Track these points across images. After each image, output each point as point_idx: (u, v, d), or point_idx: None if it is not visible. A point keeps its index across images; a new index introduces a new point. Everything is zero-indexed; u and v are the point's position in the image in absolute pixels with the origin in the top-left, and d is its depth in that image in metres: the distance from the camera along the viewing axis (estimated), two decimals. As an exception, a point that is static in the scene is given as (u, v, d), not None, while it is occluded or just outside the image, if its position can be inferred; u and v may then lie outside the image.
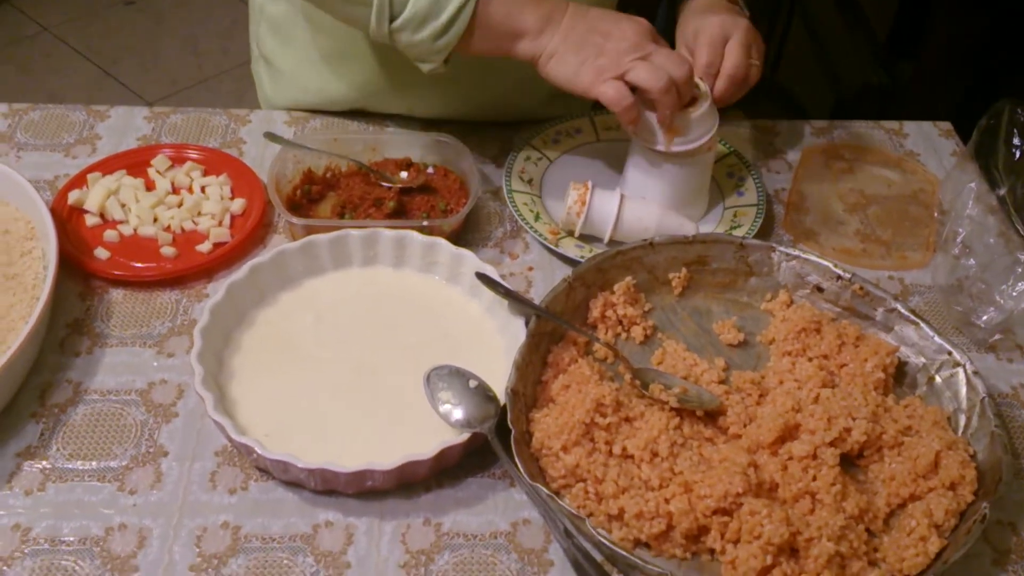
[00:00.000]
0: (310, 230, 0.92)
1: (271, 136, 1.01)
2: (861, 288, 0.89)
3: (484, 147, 1.10)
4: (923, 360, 0.86)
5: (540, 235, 0.96)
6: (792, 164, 1.11)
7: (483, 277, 0.86)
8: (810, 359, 0.86)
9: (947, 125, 1.18)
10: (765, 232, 1.02)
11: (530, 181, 1.04)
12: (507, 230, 1.01)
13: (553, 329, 0.85)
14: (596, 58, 0.87)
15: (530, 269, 0.97)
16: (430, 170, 1.02)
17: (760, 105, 1.20)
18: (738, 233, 0.98)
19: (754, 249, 0.92)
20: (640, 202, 0.98)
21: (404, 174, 1.00)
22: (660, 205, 0.98)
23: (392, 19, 0.87)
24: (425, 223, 0.92)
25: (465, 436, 0.75)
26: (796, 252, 0.91)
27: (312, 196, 0.99)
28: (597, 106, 1.17)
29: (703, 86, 0.96)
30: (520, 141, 1.08)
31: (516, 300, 0.85)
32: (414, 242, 0.91)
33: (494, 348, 0.86)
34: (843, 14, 1.74)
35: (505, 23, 0.88)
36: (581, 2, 0.91)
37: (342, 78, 1.08)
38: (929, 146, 1.15)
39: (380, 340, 0.87)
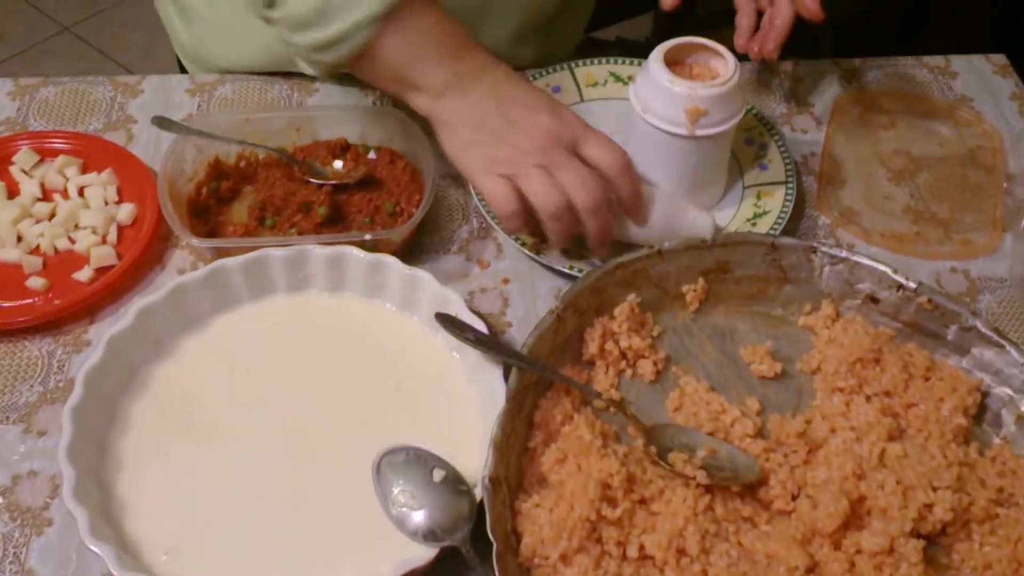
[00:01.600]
0: (220, 251, 0.71)
1: (161, 122, 0.78)
2: (930, 301, 0.69)
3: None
4: (1009, 391, 0.68)
5: (516, 239, 0.76)
6: (820, 120, 0.90)
7: (444, 319, 0.66)
8: (868, 397, 0.68)
9: (1001, 59, 0.97)
10: (796, 216, 0.82)
11: (500, 161, 0.82)
12: (474, 229, 0.80)
13: (541, 377, 0.66)
14: (493, 146, 0.70)
15: (505, 282, 0.77)
16: (372, 155, 0.80)
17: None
18: (764, 222, 0.78)
19: (789, 250, 0.73)
20: (642, 188, 0.78)
21: (339, 163, 0.78)
22: (668, 190, 0.78)
23: (268, 3, 0.69)
24: (367, 236, 0.71)
25: (430, 555, 0.56)
26: (843, 253, 0.71)
27: (222, 195, 0.78)
28: (580, 53, 0.96)
29: (728, 57, 0.74)
30: (485, 106, 0.86)
31: (490, 348, 0.65)
32: (355, 261, 0.70)
33: (464, 403, 0.66)
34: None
35: (404, 70, 0.70)
36: (499, 70, 0.72)
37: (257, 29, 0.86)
38: (983, 88, 0.94)
39: (314, 398, 0.67)
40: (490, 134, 0.70)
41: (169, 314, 0.68)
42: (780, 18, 0.80)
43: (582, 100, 0.89)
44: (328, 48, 0.68)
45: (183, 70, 0.97)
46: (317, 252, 0.70)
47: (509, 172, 0.69)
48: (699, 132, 0.74)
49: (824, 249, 0.72)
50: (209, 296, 0.69)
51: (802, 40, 0.91)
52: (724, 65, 0.75)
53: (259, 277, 0.70)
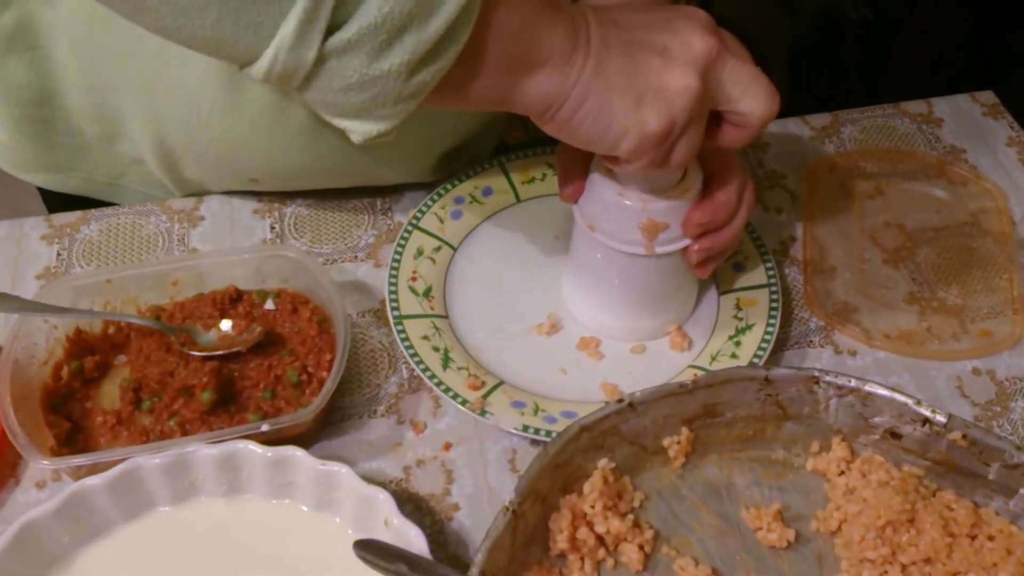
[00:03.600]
0: (80, 471, 0.56)
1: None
2: (965, 437, 0.56)
3: (349, 232, 0.74)
4: (1072, 539, 0.55)
5: (453, 394, 0.62)
6: (795, 194, 0.78)
7: (367, 548, 0.51)
8: (905, 567, 0.55)
9: (990, 97, 0.85)
10: (784, 321, 0.69)
11: (428, 292, 0.68)
12: (404, 380, 0.66)
13: (498, 592, 0.52)
14: (661, 83, 0.51)
15: (447, 448, 0.62)
16: (269, 304, 0.65)
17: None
18: (749, 340, 0.65)
19: (787, 383, 0.59)
20: (592, 306, 0.65)
21: (227, 324, 0.64)
22: (624, 307, 0.65)
23: (331, 28, 0.44)
24: (264, 427, 0.56)
25: None
26: (852, 382, 0.58)
27: (87, 375, 0.63)
28: (505, 145, 0.83)
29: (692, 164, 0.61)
30: (406, 221, 0.72)
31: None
32: (252, 459, 0.56)
33: (406, 638, 0.52)
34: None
35: (521, 40, 0.50)
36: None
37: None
38: (975, 134, 0.82)
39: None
40: (652, 70, 0.51)
41: (17, 560, 0.53)
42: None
43: (518, 200, 0.75)
44: (432, 54, 0.46)
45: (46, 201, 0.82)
46: (203, 454, 0.55)
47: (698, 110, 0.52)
48: (659, 250, 0.61)
49: (828, 379, 0.59)
50: (68, 528, 0.54)
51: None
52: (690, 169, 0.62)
53: (131, 494, 0.55)
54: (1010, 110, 0.84)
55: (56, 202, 0.77)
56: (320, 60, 0.45)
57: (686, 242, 0.61)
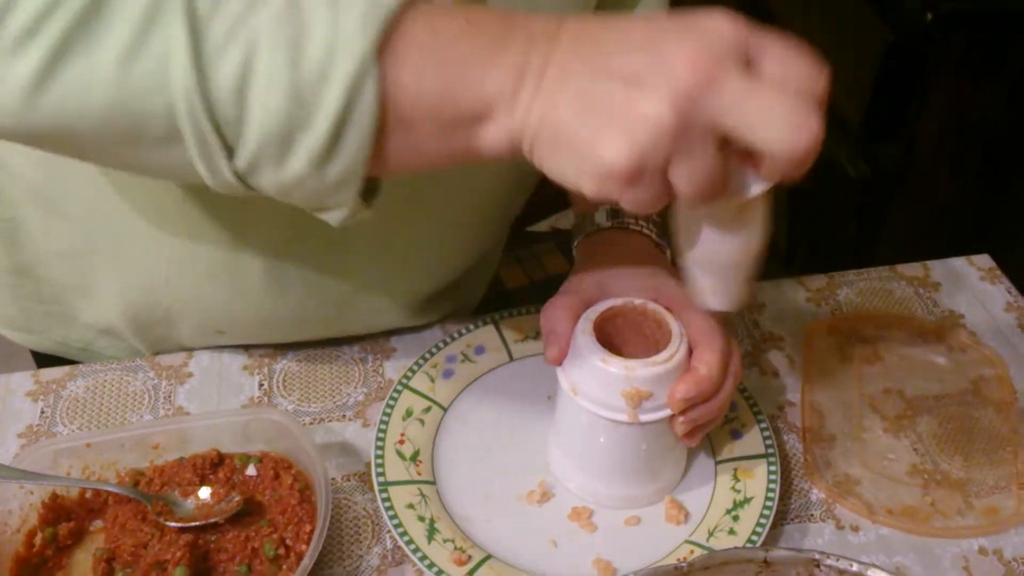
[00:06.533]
0: (38, 649, 0.53)
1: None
2: (975, 630, 0.54)
3: (338, 390, 0.73)
4: None
5: (438, 571, 0.59)
6: (793, 358, 0.77)
7: None
8: None
9: (986, 261, 0.86)
10: (784, 493, 0.67)
11: (416, 456, 0.67)
12: (387, 551, 0.63)
13: None
14: (627, 116, 0.42)
15: (430, 628, 0.60)
16: (251, 469, 0.63)
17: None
18: (748, 514, 0.63)
19: (786, 566, 0.57)
20: (579, 472, 0.63)
21: (206, 493, 0.62)
22: (611, 474, 0.63)
23: (229, 154, 0.44)
24: (238, 607, 0.54)
25: None
26: (854, 567, 0.55)
27: (61, 543, 0.61)
28: (514, 245, 0.83)
29: (672, 323, 0.61)
30: (396, 380, 0.71)
31: None
32: (224, 641, 0.53)
33: None
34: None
35: (448, 100, 0.44)
36: (568, 21, 0.46)
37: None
38: (973, 299, 0.82)
39: None
40: (615, 97, 0.42)
41: None
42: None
43: (511, 359, 0.74)
44: (332, 147, 0.43)
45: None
46: (172, 636, 0.53)
47: (676, 144, 0.42)
48: (643, 418, 0.59)
49: (829, 562, 0.56)
50: None
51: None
52: (667, 331, 0.61)
53: None
54: (1008, 274, 0.84)
55: (46, 357, 0.77)
56: (240, 178, 0.45)
57: (670, 411, 0.60)
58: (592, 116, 0.43)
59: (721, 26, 0.42)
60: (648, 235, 0.69)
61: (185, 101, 0.41)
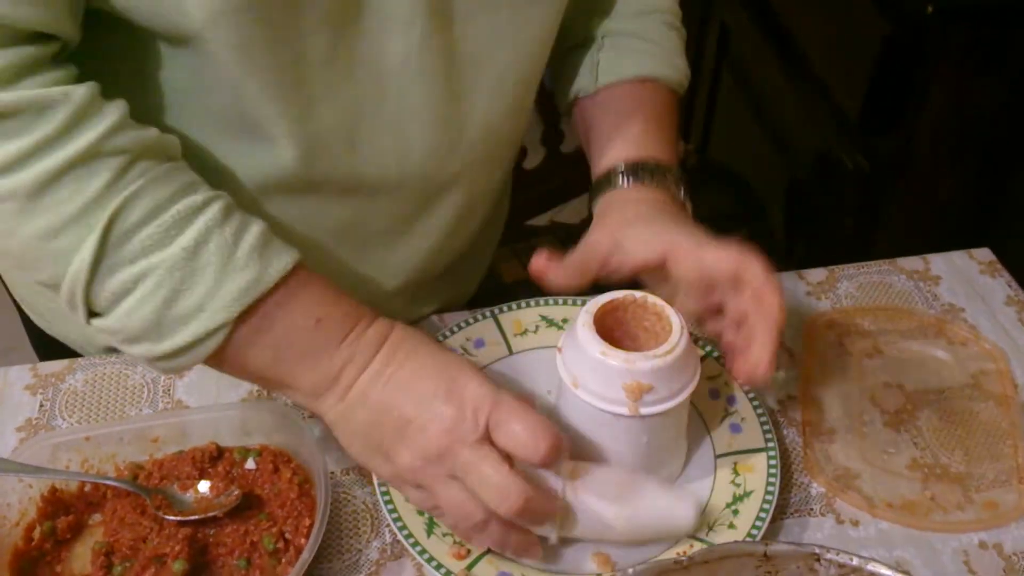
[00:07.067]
0: (37, 642, 0.53)
1: (-32, 459, 0.61)
2: (975, 624, 0.54)
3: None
4: None
5: (437, 564, 0.59)
6: (793, 352, 0.77)
7: None
8: None
9: (986, 255, 0.85)
10: (784, 487, 0.66)
11: (414, 451, 0.67)
12: (386, 544, 0.63)
13: None
14: (392, 453, 0.56)
15: (429, 622, 0.60)
16: (251, 463, 0.63)
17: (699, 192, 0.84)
18: (747, 508, 0.63)
19: (786, 559, 0.57)
20: (594, 475, 0.63)
21: (205, 485, 0.62)
22: (626, 473, 0.63)
23: (91, 312, 0.55)
24: (237, 600, 0.54)
25: None
26: (854, 561, 0.55)
27: (60, 536, 0.60)
28: (511, 238, 0.83)
29: (672, 316, 0.61)
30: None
31: None
32: (222, 636, 0.53)
33: None
34: (792, 79, 1.42)
35: (268, 372, 0.57)
36: (385, 350, 0.58)
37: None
38: (973, 293, 0.82)
39: None
40: (385, 438, 0.56)
41: None
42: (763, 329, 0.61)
43: (511, 352, 0.74)
44: (170, 359, 0.55)
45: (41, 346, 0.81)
46: (170, 630, 0.53)
47: (421, 483, 0.56)
48: (644, 411, 0.59)
49: (829, 556, 0.56)
50: None
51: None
52: (667, 324, 0.61)
53: (93, 674, 0.52)
54: (1008, 268, 0.84)
55: (49, 349, 0.78)
56: (94, 328, 0.55)
57: (671, 403, 0.59)
58: (370, 440, 0.57)
59: (476, 397, 0.55)
60: (666, 189, 0.69)
61: (70, 283, 0.52)
